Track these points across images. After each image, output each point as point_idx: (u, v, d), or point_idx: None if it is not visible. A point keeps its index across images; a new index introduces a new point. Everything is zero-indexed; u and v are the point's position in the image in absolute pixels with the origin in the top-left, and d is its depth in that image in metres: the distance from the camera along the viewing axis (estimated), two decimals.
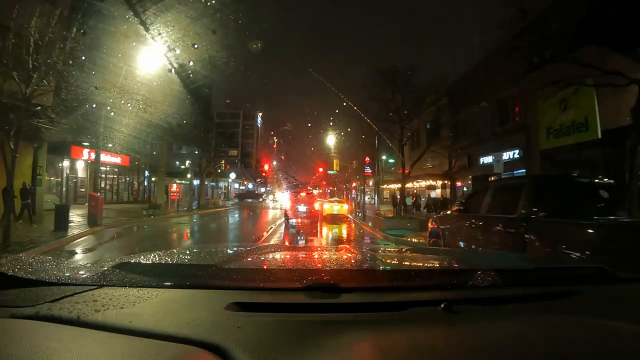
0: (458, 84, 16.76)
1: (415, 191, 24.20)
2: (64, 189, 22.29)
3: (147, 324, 0.86)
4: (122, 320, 0.87)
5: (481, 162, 17.09)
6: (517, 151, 14.88)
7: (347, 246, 6.08)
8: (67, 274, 1.22)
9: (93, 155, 22.37)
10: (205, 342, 0.77)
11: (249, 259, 1.83)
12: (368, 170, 28.49)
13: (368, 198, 30.95)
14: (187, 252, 2.16)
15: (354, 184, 40.71)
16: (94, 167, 22.00)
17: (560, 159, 13.43)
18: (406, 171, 17.28)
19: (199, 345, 0.77)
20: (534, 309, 1.07)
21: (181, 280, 1.16)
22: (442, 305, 0.98)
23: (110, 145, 21.08)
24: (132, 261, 1.42)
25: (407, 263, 1.83)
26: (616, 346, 0.84)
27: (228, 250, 2.21)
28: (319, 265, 1.60)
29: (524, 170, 14.66)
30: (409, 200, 20.98)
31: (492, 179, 17.53)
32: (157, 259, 1.59)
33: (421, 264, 1.74)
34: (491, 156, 16.36)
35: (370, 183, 34.15)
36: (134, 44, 17.40)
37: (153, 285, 1.11)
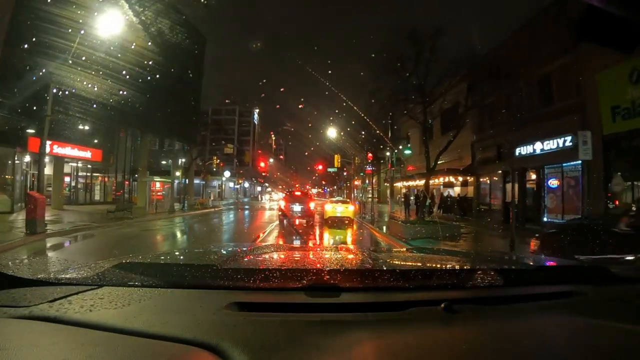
0: (486, 59, 13.67)
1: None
2: (26, 187, 19.24)
3: (147, 324, 0.84)
4: (122, 320, 0.86)
5: (517, 153, 14.01)
6: (569, 138, 11.83)
7: (347, 246, 5.45)
8: (66, 274, 1.22)
9: (57, 149, 19.37)
10: (205, 342, 0.77)
11: (249, 259, 1.80)
12: (370, 167, 25.89)
13: (370, 197, 28.21)
14: (187, 252, 2.45)
15: (355, 182, 37.81)
16: (58, 160, 18.93)
17: (631, 146, 10.46)
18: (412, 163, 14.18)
19: (198, 345, 0.76)
20: (534, 308, 1.06)
21: (181, 280, 1.14)
22: (442, 305, 0.96)
23: (66, 132, 18.10)
24: (132, 261, 1.41)
25: (407, 263, 1.81)
26: (616, 346, 0.83)
27: (228, 250, 2.18)
28: (318, 265, 1.56)
29: (580, 161, 11.63)
30: (427, 200, 17.91)
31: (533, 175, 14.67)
32: (157, 259, 1.65)
33: (421, 264, 1.71)
34: (531, 145, 13.35)
35: (373, 181, 31.38)
36: (101, 11, 14.39)
37: (153, 285, 1.10)
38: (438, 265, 1.66)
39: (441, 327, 0.91)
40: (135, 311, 0.92)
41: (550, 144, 12.42)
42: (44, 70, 13.65)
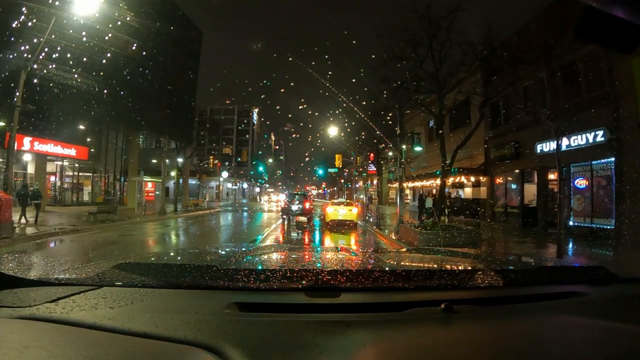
0: (506, 44, 12.37)
1: (434, 190, 19.83)
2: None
3: (147, 324, 0.84)
4: (122, 320, 0.86)
5: (538, 150, 12.75)
6: (600, 132, 10.58)
7: (347, 247, 5.34)
8: (66, 275, 1.21)
9: (38, 145, 18.08)
10: (205, 343, 0.77)
11: (249, 260, 1.75)
12: (372, 167, 24.78)
13: (372, 199, 27.08)
14: (187, 252, 2.39)
15: (358, 184, 36.59)
16: (40, 158, 17.55)
17: None
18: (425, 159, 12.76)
19: (199, 345, 0.76)
20: (535, 309, 1.06)
21: (181, 280, 1.13)
22: (443, 306, 0.96)
23: (49, 128, 16.79)
24: (132, 261, 1.39)
25: (407, 263, 1.79)
26: (616, 346, 0.83)
27: (228, 251, 2.13)
28: (319, 265, 1.57)
29: (612, 158, 10.36)
30: (429, 202, 16.61)
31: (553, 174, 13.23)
32: (157, 259, 1.66)
33: (421, 265, 1.68)
34: (554, 141, 12.04)
35: (375, 182, 30.33)
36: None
37: (153, 285, 1.10)
38: (438, 266, 1.65)
39: (441, 328, 0.90)
40: (137, 311, 0.92)
41: (578, 140, 11.15)
42: (16, 57, 12.37)
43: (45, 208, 18.97)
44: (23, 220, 12.75)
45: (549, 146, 11.99)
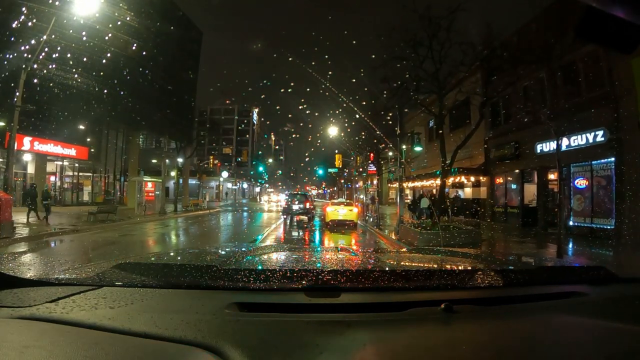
0: (506, 44, 12.36)
1: (434, 190, 19.79)
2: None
3: (147, 324, 0.84)
4: (122, 320, 0.86)
5: (538, 150, 12.75)
6: (600, 132, 10.57)
7: (347, 247, 5.57)
8: (66, 275, 1.21)
9: (38, 145, 18.10)
10: (205, 343, 0.77)
11: (249, 260, 1.76)
12: (373, 167, 24.77)
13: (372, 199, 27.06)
14: (187, 252, 2.41)
15: (358, 184, 36.59)
16: (40, 158, 17.58)
17: None
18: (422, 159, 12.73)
19: (199, 345, 0.76)
20: (535, 309, 1.06)
21: (181, 280, 1.13)
22: (443, 306, 0.96)
23: (49, 128, 16.83)
24: (132, 261, 1.39)
25: (407, 263, 1.78)
26: (616, 346, 0.83)
27: (228, 251, 2.14)
28: (319, 265, 1.58)
29: (612, 158, 10.35)
30: (425, 202, 16.59)
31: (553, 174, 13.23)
32: (157, 259, 1.67)
33: (421, 265, 1.68)
34: (554, 142, 12.03)
35: (375, 182, 30.30)
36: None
37: (153, 285, 1.10)
38: (438, 266, 1.65)
39: (441, 328, 0.90)
40: (137, 311, 0.92)
41: (578, 140, 11.15)
42: (16, 57, 12.38)
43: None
44: (31, 220, 13.02)
45: (549, 146, 11.99)
